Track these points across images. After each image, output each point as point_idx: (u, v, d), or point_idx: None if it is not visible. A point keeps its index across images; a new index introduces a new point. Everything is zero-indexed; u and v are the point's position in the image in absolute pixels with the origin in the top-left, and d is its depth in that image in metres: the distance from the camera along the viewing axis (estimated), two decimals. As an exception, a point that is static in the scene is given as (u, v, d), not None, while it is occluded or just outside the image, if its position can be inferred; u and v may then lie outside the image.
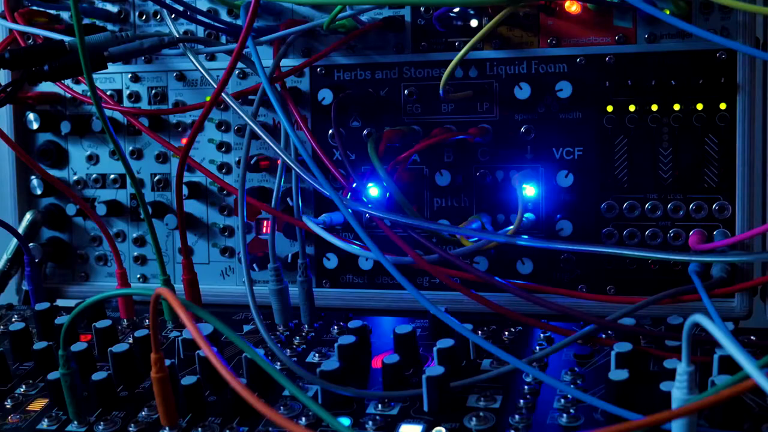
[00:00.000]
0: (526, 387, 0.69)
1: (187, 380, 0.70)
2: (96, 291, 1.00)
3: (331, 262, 0.94)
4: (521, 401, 0.67)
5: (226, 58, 0.94)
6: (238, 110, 0.83)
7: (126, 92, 0.99)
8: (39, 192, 1.02)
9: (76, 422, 0.71)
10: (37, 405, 0.75)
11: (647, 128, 0.85)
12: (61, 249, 1.03)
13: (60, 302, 0.98)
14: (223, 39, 0.94)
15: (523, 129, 0.88)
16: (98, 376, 0.73)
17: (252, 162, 0.94)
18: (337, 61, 0.92)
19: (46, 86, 1.01)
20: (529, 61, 0.87)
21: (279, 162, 0.87)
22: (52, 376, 0.73)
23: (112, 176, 1.01)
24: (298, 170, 0.79)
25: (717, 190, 0.84)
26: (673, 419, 0.53)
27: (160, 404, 0.66)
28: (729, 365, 0.65)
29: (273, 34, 0.87)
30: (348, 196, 0.84)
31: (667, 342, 0.74)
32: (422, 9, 0.89)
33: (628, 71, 0.85)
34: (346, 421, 0.67)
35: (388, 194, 0.85)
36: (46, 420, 0.72)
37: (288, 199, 0.93)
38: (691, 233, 0.84)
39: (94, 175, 1.01)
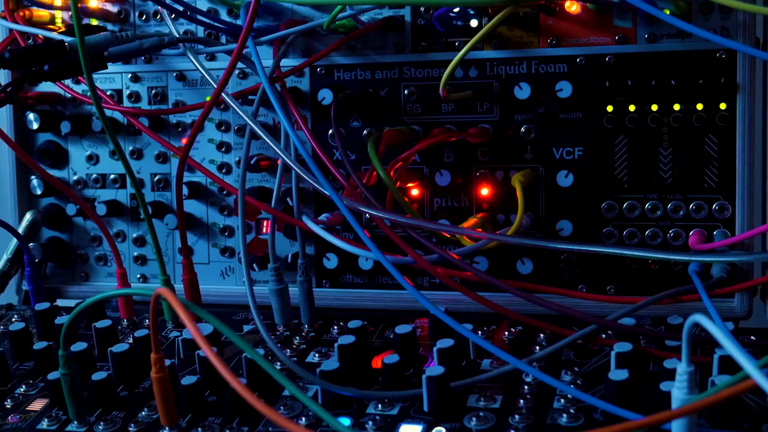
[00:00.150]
0: (526, 387, 0.69)
1: (187, 380, 0.70)
2: (96, 291, 1.00)
3: (331, 262, 0.94)
4: (521, 401, 0.67)
5: (226, 58, 0.94)
6: (238, 110, 0.83)
7: (126, 92, 0.99)
8: (39, 192, 1.02)
9: (76, 422, 0.71)
10: (37, 405, 0.75)
11: (647, 128, 0.85)
12: (61, 249, 1.03)
13: (60, 302, 0.98)
14: (223, 39, 0.94)
15: (523, 129, 0.88)
16: (98, 376, 0.73)
17: (252, 162, 0.94)
18: (337, 61, 0.92)
19: (46, 86, 1.01)
20: (529, 61, 0.87)
21: (279, 162, 0.87)
22: (52, 376, 0.73)
23: (112, 176, 1.01)
24: (298, 170, 0.79)
25: (717, 190, 0.84)
26: (673, 419, 0.53)
27: (160, 404, 0.66)
28: (729, 365, 0.65)
29: (273, 34, 0.87)
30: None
31: (667, 342, 0.74)
32: (422, 9, 0.89)
33: (628, 71, 0.85)
34: (346, 421, 0.67)
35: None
36: (46, 420, 0.72)
37: (288, 199, 0.93)
38: (691, 233, 0.84)
39: (94, 175, 1.01)
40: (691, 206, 0.84)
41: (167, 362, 0.67)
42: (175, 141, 0.98)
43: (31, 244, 0.99)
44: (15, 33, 0.96)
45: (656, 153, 0.85)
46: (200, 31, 0.95)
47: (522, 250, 0.89)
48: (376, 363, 0.74)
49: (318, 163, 0.78)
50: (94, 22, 0.98)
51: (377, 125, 0.91)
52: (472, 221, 0.87)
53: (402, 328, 0.75)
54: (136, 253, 1.01)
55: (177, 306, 0.56)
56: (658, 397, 0.62)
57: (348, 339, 0.73)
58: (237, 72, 0.95)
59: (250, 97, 0.92)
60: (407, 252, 0.79)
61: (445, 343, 0.71)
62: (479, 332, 0.81)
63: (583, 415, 0.64)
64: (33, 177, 1.02)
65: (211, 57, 0.95)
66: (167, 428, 0.67)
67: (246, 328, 0.88)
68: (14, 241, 0.99)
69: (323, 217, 0.88)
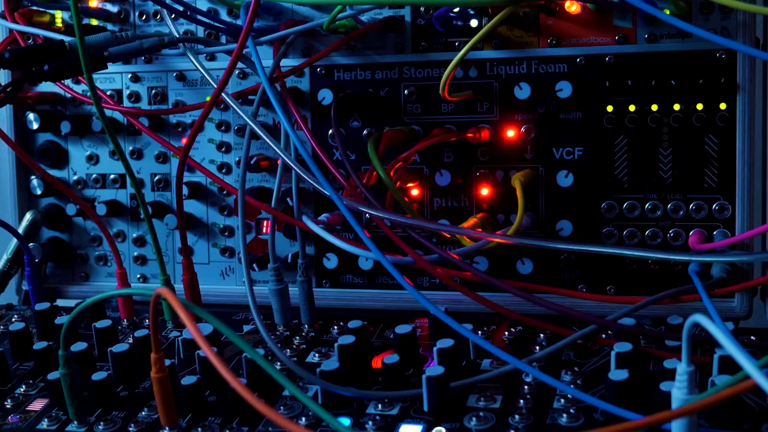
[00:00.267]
0: (526, 387, 0.69)
1: (187, 380, 0.70)
2: (96, 291, 1.00)
3: (331, 262, 0.94)
4: (521, 401, 0.67)
5: (226, 58, 0.94)
6: (238, 110, 0.83)
7: (126, 92, 0.99)
8: (39, 192, 1.02)
9: (76, 422, 0.71)
10: (37, 405, 0.75)
11: (647, 128, 0.85)
12: (61, 249, 1.03)
13: (60, 302, 0.98)
14: (223, 39, 0.94)
15: (523, 129, 0.88)
16: (98, 376, 0.73)
17: (252, 162, 0.94)
18: (337, 61, 0.92)
19: (46, 86, 1.01)
20: (529, 61, 0.87)
21: (279, 162, 0.87)
22: (52, 376, 0.73)
23: (112, 176, 1.01)
24: (298, 170, 0.79)
25: (717, 190, 0.84)
26: (673, 419, 0.53)
27: (160, 404, 0.66)
28: (729, 365, 0.65)
29: (273, 34, 0.87)
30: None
31: (667, 342, 0.74)
32: (422, 9, 0.89)
33: (628, 71, 0.85)
34: (346, 421, 0.67)
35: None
36: (46, 420, 0.72)
37: (288, 199, 0.93)
38: (691, 233, 0.84)
39: (94, 175, 1.01)
40: (691, 206, 0.84)
41: (167, 362, 0.67)
42: (175, 141, 0.98)
43: (31, 244, 0.99)
44: (15, 33, 0.96)
45: (656, 153, 0.85)
46: (200, 31, 0.95)
47: (522, 250, 0.89)
48: (376, 363, 0.74)
49: (318, 163, 0.78)
50: (94, 22, 0.98)
51: (377, 125, 0.91)
52: (472, 221, 0.87)
53: (402, 328, 0.75)
54: (136, 253, 1.01)
55: (177, 306, 0.56)
56: (658, 397, 0.62)
57: (348, 339, 0.73)
58: (237, 72, 0.95)
59: (250, 97, 0.92)
60: (407, 252, 0.79)
61: (445, 343, 0.71)
62: (479, 332, 0.81)
63: (583, 415, 0.64)
64: (33, 177, 1.02)
65: (211, 57, 0.95)
66: (167, 428, 0.67)
67: (246, 328, 0.88)
68: (14, 241, 0.99)
69: (323, 217, 0.88)
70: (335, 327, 0.85)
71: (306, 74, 0.93)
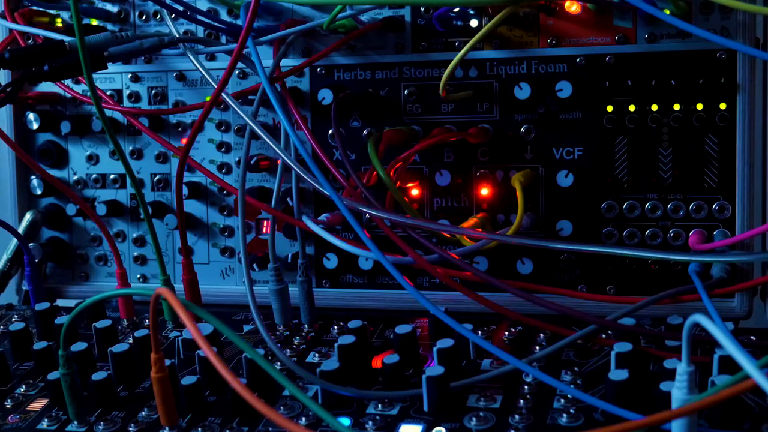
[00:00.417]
0: (526, 387, 0.69)
1: (187, 380, 0.70)
2: (96, 291, 1.00)
3: (331, 262, 0.94)
4: (521, 401, 0.67)
5: (226, 58, 0.94)
6: (238, 110, 0.83)
7: (126, 92, 0.99)
8: (39, 192, 1.02)
9: (76, 422, 0.71)
10: (37, 405, 0.75)
11: (647, 128, 0.85)
12: (61, 249, 1.03)
13: (60, 302, 0.98)
14: (223, 39, 0.94)
15: (523, 129, 0.88)
16: (98, 376, 0.73)
17: (252, 162, 0.94)
18: (337, 61, 0.92)
19: (46, 86, 1.01)
20: (529, 61, 0.87)
21: (279, 162, 0.87)
22: (52, 376, 0.73)
23: (112, 176, 1.01)
24: (298, 170, 0.79)
25: (717, 190, 0.84)
26: (673, 419, 0.53)
27: (160, 404, 0.66)
28: (729, 365, 0.65)
29: (273, 34, 0.87)
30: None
31: (667, 342, 0.74)
32: (422, 9, 0.89)
33: (628, 71, 0.85)
34: (346, 421, 0.67)
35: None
36: (46, 420, 0.72)
37: (288, 199, 0.93)
38: (691, 233, 0.84)
39: (94, 175, 1.01)
40: (691, 206, 0.84)
41: (167, 362, 0.67)
42: (175, 141, 0.98)
43: (31, 244, 0.99)
44: (15, 33, 0.96)
45: (656, 153, 0.85)
46: (200, 31, 0.95)
47: (522, 250, 0.89)
48: (376, 363, 0.74)
49: (318, 163, 0.78)
50: (94, 22, 0.98)
51: (377, 125, 0.91)
52: (472, 221, 0.87)
53: (402, 328, 0.75)
54: (136, 253, 1.01)
55: (177, 306, 0.56)
56: (658, 397, 0.62)
57: (348, 339, 0.73)
58: (237, 72, 0.95)
59: (250, 97, 0.92)
60: (407, 252, 0.79)
61: (445, 343, 0.71)
62: (479, 332, 0.81)
63: (583, 415, 0.64)
64: (33, 177, 1.02)
65: (211, 57, 0.95)
66: (167, 428, 0.67)
67: (246, 328, 0.88)
68: (14, 241, 0.99)
69: (323, 217, 0.88)
70: (335, 327, 0.85)
71: (306, 74, 0.93)
